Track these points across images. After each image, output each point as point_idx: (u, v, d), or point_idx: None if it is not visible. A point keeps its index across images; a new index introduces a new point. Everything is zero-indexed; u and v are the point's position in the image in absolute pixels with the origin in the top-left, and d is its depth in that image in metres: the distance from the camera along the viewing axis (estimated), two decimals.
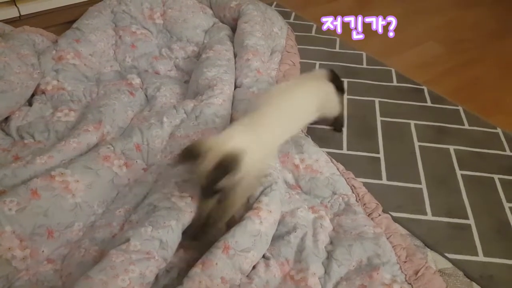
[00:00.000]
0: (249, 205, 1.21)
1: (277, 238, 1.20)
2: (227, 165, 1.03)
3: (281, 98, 1.32)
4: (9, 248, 1.08)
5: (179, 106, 1.52)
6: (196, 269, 1.04)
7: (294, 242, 1.19)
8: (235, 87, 1.67)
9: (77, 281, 0.98)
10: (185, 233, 1.14)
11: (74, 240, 1.20)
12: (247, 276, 1.10)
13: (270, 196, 1.21)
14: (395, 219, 1.33)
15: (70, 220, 1.20)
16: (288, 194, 1.33)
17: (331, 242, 1.23)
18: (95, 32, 1.84)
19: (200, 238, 1.16)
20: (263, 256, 1.16)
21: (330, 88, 1.49)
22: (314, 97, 1.41)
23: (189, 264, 1.10)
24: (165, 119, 1.47)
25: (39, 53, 1.72)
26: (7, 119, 1.54)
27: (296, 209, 1.27)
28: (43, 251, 1.14)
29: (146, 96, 1.69)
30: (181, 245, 1.15)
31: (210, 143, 1.08)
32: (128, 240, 1.07)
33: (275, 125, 1.25)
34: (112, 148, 1.36)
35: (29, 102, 1.61)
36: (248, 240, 1.11)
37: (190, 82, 1.70)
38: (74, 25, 1.88)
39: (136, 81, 1.73)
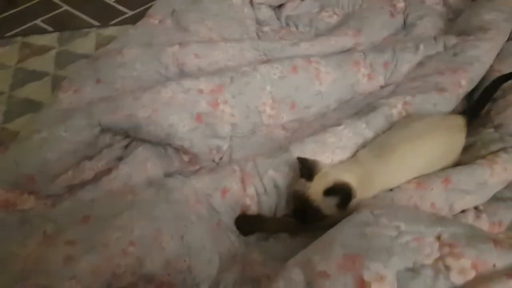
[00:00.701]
0: (483, 154, 1.15)
1: (498, 199, 1.13)
2: (343, 192, 0.99)
3: (412, 143, 1.11)
4: (264, 103, 1.33)
5: (440, 38, 1.49)
6: (410, 186, 1.08)
7: None
8: (510, 38, 1.50)
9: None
10: None
11: (307, 120, 1.39)
12: (453, 215, 1.10)
13: (510, 155, 1.13)
14: None
15: (310, 102, 1.38)
16: None
17: None
18: None
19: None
20: (476, 208, 1.13)
21: (461, 142, 1.17)
22: (449, 149, 1.15)
23: None
24: (421, 47, 1.47)
25: None
26: (280, 6, 1.79)
27: None
28: (283, 118, 1.36)
29: (405, 22, 1.69)
30: None
31: (325, 168, 1.05)
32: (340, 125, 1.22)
33: (396, 173, 1.09)
34: (364, 56, 1.45)
35: None
36: (471, 184, 1.08)
37: (459, 20, 1.61)
38: None
39: (401, 4, 1.73)
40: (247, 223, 1.10)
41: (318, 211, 1.02)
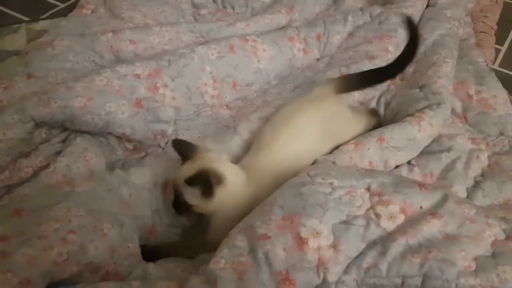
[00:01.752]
0: (411, 112, 1.24)
1: (427, 153, 1.22)
2: (203, 181, 0.95)
3: (279, 132, 1.09)
4: (205, 84, 1.34)
5: (366, 8, 1.57)
6: (349, 147, 1.14)
7: (444, 161, 1.20)
8: (428, 5, 1.61)
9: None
10: None
11: (250, 98, 1.42)
12: (389, 171, 1.18)
13: (435, 111, 1.22)
14: None
15: (250, 80, 1.41)
16: (451, 120, 1.31)
17: (482, 175, 1.20)
18: None
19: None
20: (408, 162, 1.21)
21: (338, 106, 1.17)
22: (316, 125, 1.11)
23: None
24: (349, 18, 1.54)
25: None
26: None
27: (455, 134, 1.26)
28: (226, 97, 1.39)
29: None
30: None
31: (202, 153, 1.02)
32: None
33: (270, 166, 1.05)
34: (297, 32, 1.50)
35: None
36: (402, 141, 1.16)
37: None
38: None
39: None
40: (149, 255, 0.96)
41: (183, 200, 0.98)
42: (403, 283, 0.80)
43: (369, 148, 1.13)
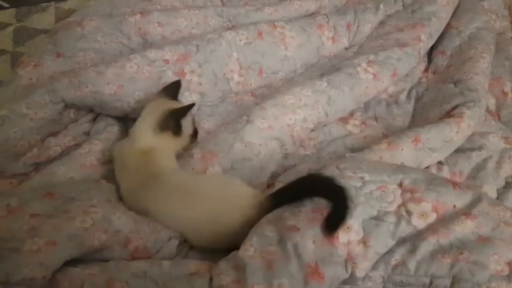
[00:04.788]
0: (446, 108, 1.20)
1: (457, 151, 1.19)
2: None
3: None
4: (232, 70, 1.33)
5: None
6: (381, 146, 1.11)
7: (474, 160, 1.17)
8: None
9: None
10: None
11: (275, 86, 1.40)
12: None
13: (472, 110, 1.18)
14: None
15: (277, 68, 1.38)
16: (484, 117, 1.27)
17: None
18: None
19: None
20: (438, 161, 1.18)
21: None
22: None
23: None
24: (381, 6, 1.50)
25: None
26: None
27: (488, 133, 1.22)
28: (251, 84, 1.37)
29: None
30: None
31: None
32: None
33: None
34: (327, 19, 1.46)
35: None
36: (438, 142, 1.12)
37: None
38: None
39: None
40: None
41: None
42: (431, 283, 0.79)
43: (402, 149, 1.10)
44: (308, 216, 0.82)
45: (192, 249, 0.93)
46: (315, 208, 0.83)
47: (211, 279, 0.77)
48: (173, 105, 1.09)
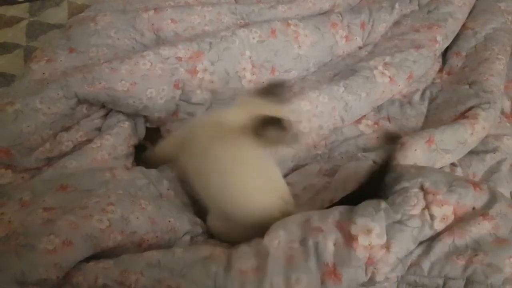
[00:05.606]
0: (460, 110, 1.18)
1: (471, 152, 1.18)
2: None
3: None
4: (244, 69, 1.32)
5: None
6: (394, 146, 1.08)
7: (488, 162, 1.15)
8: None
9: None
10: None
11: (287, 85, 1.38)
12: None
13: (487, 112, 1.16)
14: None
15: (290, 66, 1.38)
16: (499, 119, 1.25)
17: None
18: None
19: None
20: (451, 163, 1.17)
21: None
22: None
23: None
24: (397, 6, 1.48)
25: None
26: None
27: (503, 135, 1.21)
28: (263, 82, 1.35)
29: None
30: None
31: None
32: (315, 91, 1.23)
33: None
34: (341, 18, 1.45)
35: None
36: (452, 144, 1.11)
37: None
38: None
39: None
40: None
41: None
42: (444, 284, 0.78)
43: (415, 150, 1.08)
44: (334, 223, 0.82)
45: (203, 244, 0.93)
46: (343, 220, 0.82)
47: (227, 262, 0.78)
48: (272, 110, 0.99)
